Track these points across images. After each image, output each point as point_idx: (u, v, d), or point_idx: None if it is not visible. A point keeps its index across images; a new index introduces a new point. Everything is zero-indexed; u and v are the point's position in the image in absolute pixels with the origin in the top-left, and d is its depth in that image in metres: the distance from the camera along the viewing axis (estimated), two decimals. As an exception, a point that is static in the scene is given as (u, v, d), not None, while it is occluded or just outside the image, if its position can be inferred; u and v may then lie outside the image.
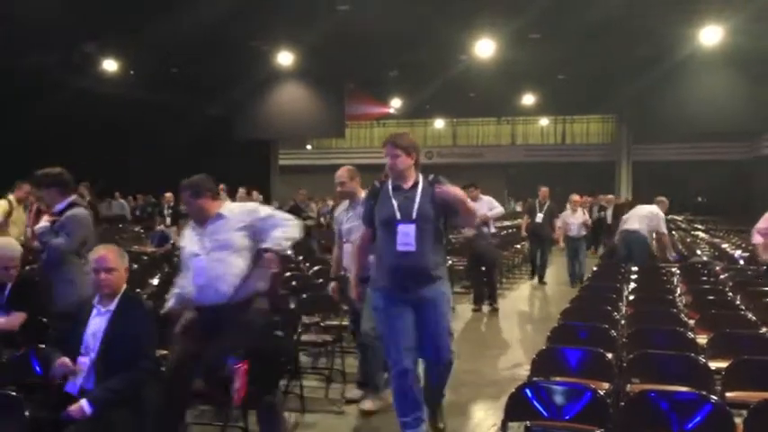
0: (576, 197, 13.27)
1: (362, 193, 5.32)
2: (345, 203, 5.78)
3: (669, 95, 21.11)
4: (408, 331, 4.38)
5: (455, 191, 4.36)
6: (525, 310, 11.04)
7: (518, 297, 11.98)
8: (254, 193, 13.06)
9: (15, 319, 4.51)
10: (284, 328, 4.55)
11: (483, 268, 10.05)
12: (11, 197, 8.20)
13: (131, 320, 3.75)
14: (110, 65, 18.98)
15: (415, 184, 4.49)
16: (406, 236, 4.32)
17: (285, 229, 4.07)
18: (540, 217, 12.79)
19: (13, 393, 3.25)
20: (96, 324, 3.74)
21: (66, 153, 17.16)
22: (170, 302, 4.20)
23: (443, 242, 4.54)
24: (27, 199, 8.04)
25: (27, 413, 3.27)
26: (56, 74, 19.28)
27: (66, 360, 3.60)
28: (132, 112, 20.99)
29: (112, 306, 3.79)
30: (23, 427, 3.19)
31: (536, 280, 13.11)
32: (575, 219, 12.80)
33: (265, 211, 4.27)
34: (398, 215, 4.37)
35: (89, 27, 16.13)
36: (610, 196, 18.56)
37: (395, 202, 4.43)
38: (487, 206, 10.02)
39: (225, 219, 4.12)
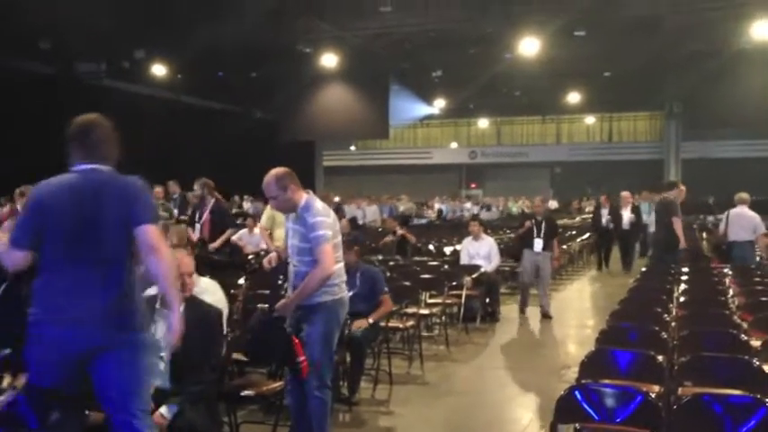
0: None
1: (303, 200, 4.39)
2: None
3: (720, 91, 20.66)
4: None
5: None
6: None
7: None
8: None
9: None
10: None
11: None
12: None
13: (202, 323, 3.83)
14: (159, 70, 19.35)
15: None
16: None
17: None
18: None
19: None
20: (166, 326, 3.74)
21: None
22: None
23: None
24: None
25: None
26: (107, 80, 19.78)
27: None
28: (180, 115, 21.39)
29: (181, 309, 3.84)
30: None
31: None
32: None
33: None
34: None
35: (138, 34, 16.49)
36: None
37: None
38: (488, 248, 9.45)
39: None
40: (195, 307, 3.90)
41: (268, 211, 8.90)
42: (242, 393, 4.44)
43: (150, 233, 3.20)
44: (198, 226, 8.68)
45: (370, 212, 19.32)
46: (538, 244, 9.42)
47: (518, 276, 11.90)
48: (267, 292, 5.72)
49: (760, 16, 16.70)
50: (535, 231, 9.47)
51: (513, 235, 14.15)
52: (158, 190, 9.75)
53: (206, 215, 8.69)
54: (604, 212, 14.70)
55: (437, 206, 26.57)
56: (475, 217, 10.19)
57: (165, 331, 3.78)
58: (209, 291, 4.52)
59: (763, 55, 18.82)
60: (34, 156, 11.24)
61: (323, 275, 4.23)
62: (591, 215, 17.45)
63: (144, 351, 3.27)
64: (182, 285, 3.85)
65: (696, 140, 30.69)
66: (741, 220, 10.07)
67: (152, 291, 4.48)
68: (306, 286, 4.24)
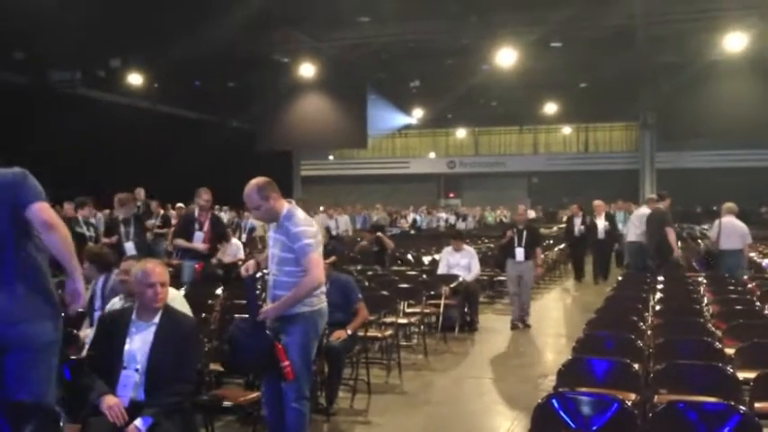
0: None
1: (285, 209, 4.38)
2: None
3: (693, 102, 20.95)
4: None
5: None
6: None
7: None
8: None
9: None
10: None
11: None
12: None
13: (177, 334, 3.80)
14: (135, 79, 19.23)
15: None
16: None
17: None
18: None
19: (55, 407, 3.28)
20: (141, 338, 3.76)
21: (92, 166, 17.51)
22: None
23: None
24: None
25: (62, 424, 3.32)
26: (82, 88, 19.59)
27: (115, 402, 3.57)
28: (157, 124, 21.25)
29: (156, 320, 3.81)
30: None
31: None
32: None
33: None
34: None
35: (114, 43, 16.39)
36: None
37: None
38: (468, 259, 9.48)
39: None
40: (170, 316, 3.85)
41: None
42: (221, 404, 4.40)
43: (41, 210, 3.21)
44: (200, 235, 8.33)
45: (342, 222, 19.26)
46: (519, 253, 9.44)
47: (497, 285, 12.00)
48: (244, 302, 5.68)
49: (732, 29, 17.02)
50: (516, 241, 9.50)
51: (491, 244, 14.22)
52: (122, 196, 9.64)
53: (207, 225, 8.40)
54: (577, 221, 14.57)
55: (411, 216, 26.59)
56: (456, 234, 10.26)
57: (139, 342, 3.76)
58: (177, 299, 4.48)
59: (734, 66, 19.14)
60: (8, 165, 11.07)
61: (313, 284, 4.23)
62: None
63: (47, 346, 3.25)
64: (155, 295, 3.80)
65: (670, 151, 31.05)
66: (731, 230, 10.22)
67: (118, 303, 4.45)
68: (296, 293, 4.22)
